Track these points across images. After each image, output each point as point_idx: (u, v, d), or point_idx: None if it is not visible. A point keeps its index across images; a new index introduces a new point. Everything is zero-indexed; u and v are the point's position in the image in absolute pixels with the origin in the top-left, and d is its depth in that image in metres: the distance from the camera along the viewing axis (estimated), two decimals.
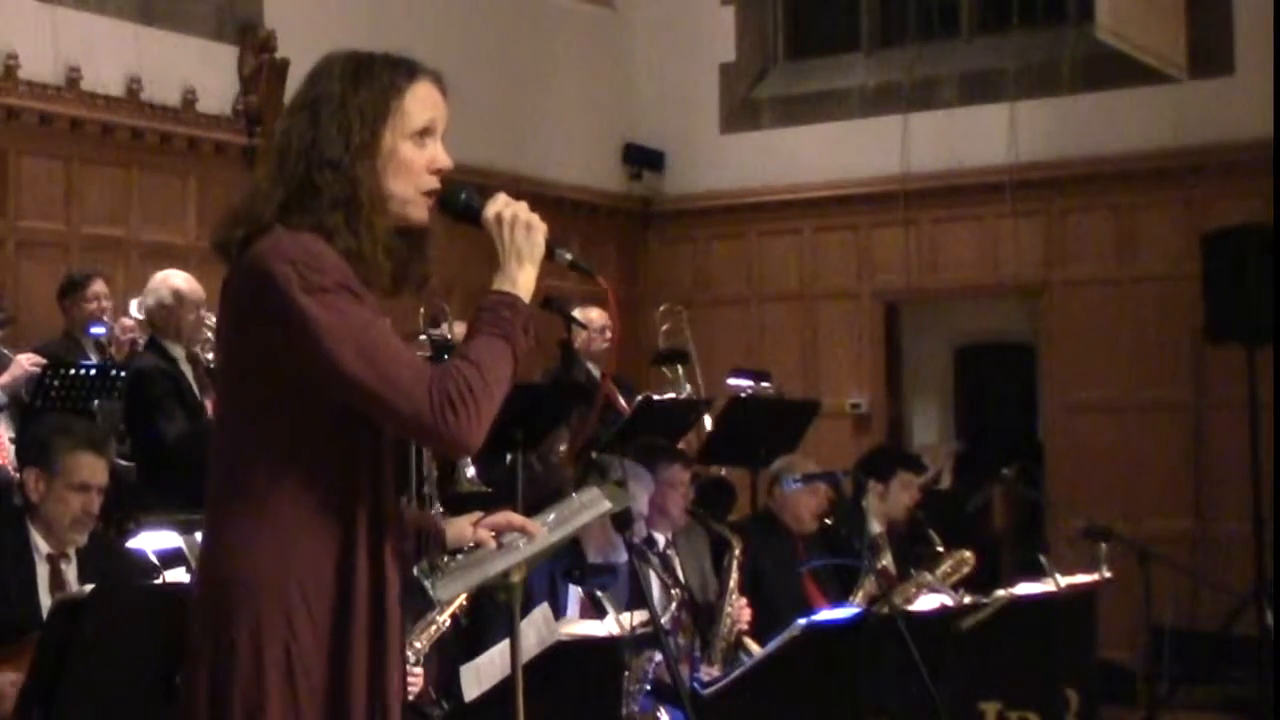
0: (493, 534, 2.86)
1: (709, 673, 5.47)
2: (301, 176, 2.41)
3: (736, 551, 5.83)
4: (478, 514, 2.88)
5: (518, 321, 2.45)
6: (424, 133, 2.48)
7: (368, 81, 2.46)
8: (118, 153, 8.01)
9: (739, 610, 5.77)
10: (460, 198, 2.53)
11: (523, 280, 2.51)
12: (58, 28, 7.70)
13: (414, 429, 2.37)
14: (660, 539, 5.78)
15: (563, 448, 6.79)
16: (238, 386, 2.46)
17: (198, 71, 8.25)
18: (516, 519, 2.91)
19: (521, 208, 2.52)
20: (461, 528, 2.85)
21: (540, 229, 2.52)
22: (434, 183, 2.50)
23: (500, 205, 2.52)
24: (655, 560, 5.53)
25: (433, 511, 5.62)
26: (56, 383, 5.91)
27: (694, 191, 11.12)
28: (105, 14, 7.94)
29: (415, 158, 2.47)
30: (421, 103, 2.48)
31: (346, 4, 9.16)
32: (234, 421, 2.46)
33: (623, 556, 5.17)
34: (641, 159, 11.15)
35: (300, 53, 8.61)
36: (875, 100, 10.60)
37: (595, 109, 10.93)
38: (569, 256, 2.59)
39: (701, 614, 5.67)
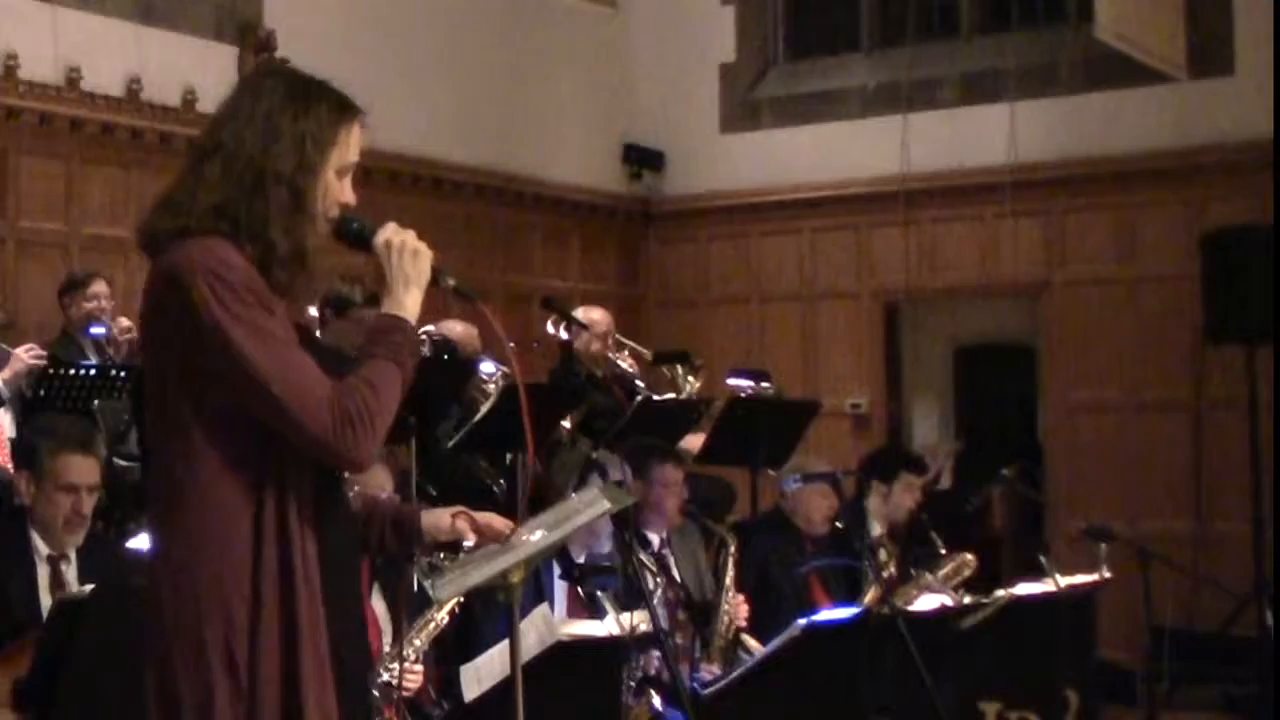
0: (472, 528, 2.88)
1: (709, 670, 5.48)
2: (251, 182, 2.53)
3: (732, 549, 5.84)
4: (458, 507, 2.90)
5: (406, 345, 2.57)
6: (346, 171, 2.64)
7: (318, 107, 2.61)
8: (118, 153, 8.02)
9: (736, 607, 5.77)
10: (353, 225, 2.66)
11: (409, 304, 2.60)
12: (58, 28, 7.70)
13: (315, 444, 2.47)
14: (655, 538, 5.79)
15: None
16: (158, 388, 2.55)
17: (198, 71, 8.25)
18: (499, 521, 2.93)
19: (409, 235, 2.64)
20: (439, 517, 2.91)
21: (426, 255, 2.63)
22: (336, 213, 2.64)
23: (390, 233, 2.64)
24: (649, 559, 5.54)
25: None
26: (56, 382, 5.90)
27: (694, 191, 11.13)
28: (105, 14, 7.94)
29: (336, 190, 2.62)
30: (356, 142, 2.65)
31: (346, 4, 9.16)
32: (157, 423, 2.56)
33: (605, 547, 5.19)
34: (641, 159, 11.15)
35: (300, 53, 8.59)
36: (875, 100, 10.61)
37: (595, 109, 10.93)
38: (452, 282, 2.71)
39: (698, 612, 5.68)
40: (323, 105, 2.61)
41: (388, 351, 2.54)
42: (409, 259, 2.60)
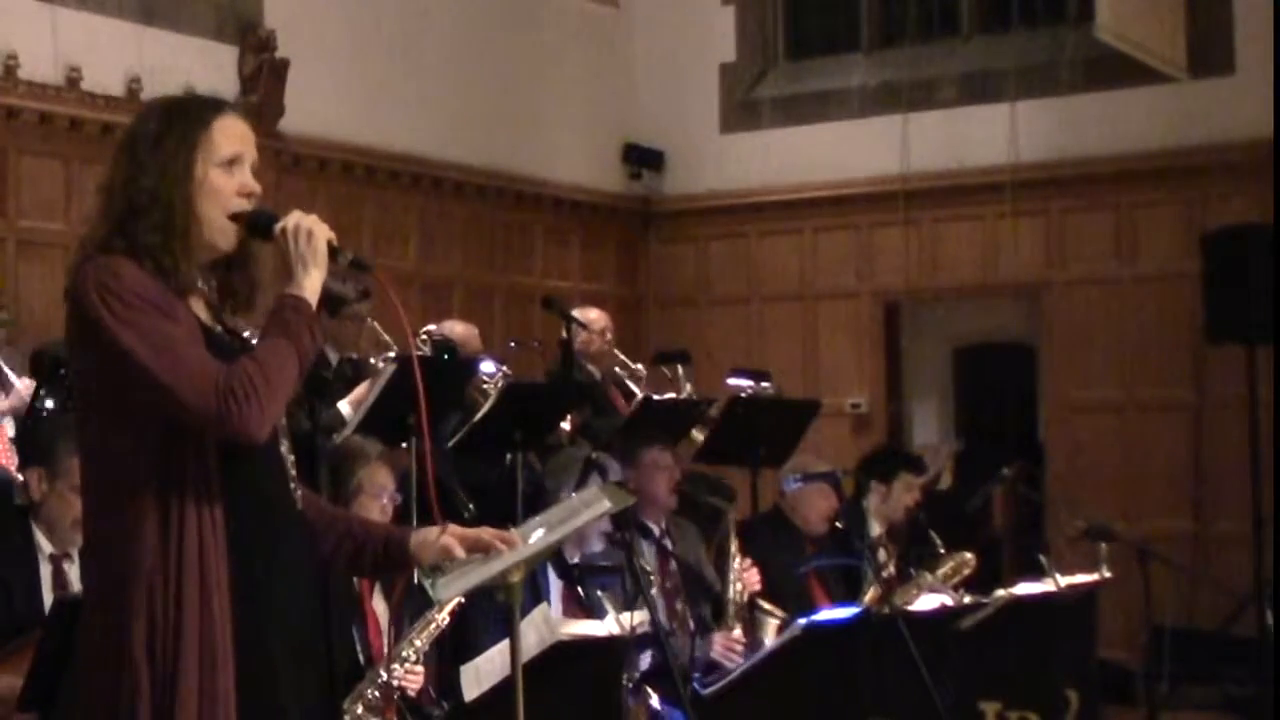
0: (461, 543, 2.91)
1: (728, 640, 5.52)
2: (124, 206, 2.69)
3: (731, 517, 5.87)
4: (445, 524, 2.95)
5: (302, 321, 2.68)
6: (232, 162, 2.74)
7: (180, 118, 2.75)
8: None
9: (746, 572, 5.77)
10: (260, 218, 2.76)
11: (308, 284, 2.71)
12: (58, 28, 7.70)
13: (200, 419, 2.58)
14: (655, 528, 5.80)
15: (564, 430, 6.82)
16: (80, 396, 2.76)
17: (198, 71, 8.22)
18: (487, 534, 2.95)
19: (307, 219, 2.73)
20: (425, 536, 2.94)
21: (320, 235, 2.72)
22: (243, 204, 2.75)
23: (285, 220, 2.74)
24: (650, 546, 5.57)
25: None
26: (62, 384, 5.86)
27: (694, 191, 11.13)
28: (105, 14, 7.94)
29: (224, 184, 2.73)
30: (227, 134, 2.75)
31: (346, 4, 9.16)
32: (81, 424, 2.74)
33: (596, 546, 5.20)
34: (641, 159, 11.15)
35: (300, 53, 8.62)
36: (875, 100, 10.60)
37: (595, 109, 10.93)
38: (350, 256, 2.79)
39: (702, 585, 5.71)
40: (184, 116, 2.75)
41: (279, 329, 2.66)
42: (304, 241, 2.71)
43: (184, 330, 2.63)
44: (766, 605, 5.75)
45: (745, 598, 5.75)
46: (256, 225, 2.75)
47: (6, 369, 6.13)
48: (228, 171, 2.73)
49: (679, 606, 5.66)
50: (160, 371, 2.55)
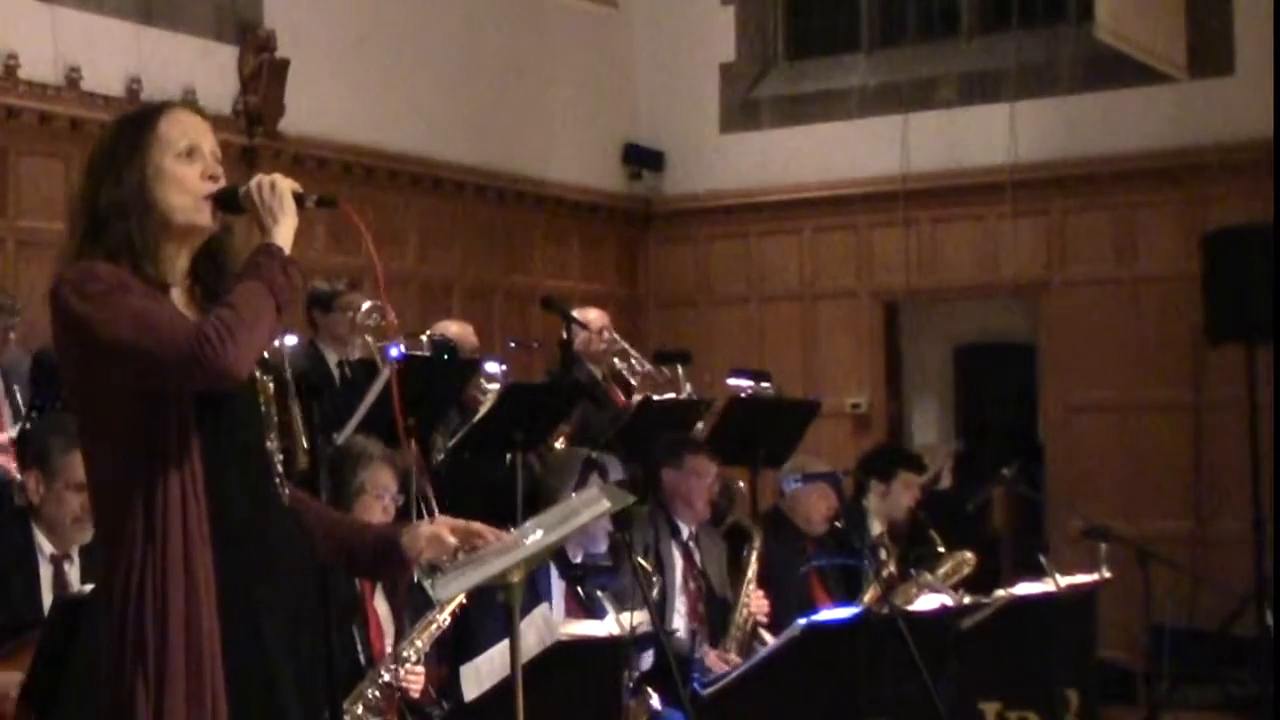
0: (454, 534, 2.92)
1: (724, 657, 5.57)
2: (91, 219, 2.74)
3: (756, 543, 5.89)
4: (440, 519, 2.97)
5: (274, 263, 2.70)
6: (189, 152, 2.78)
7: (127, 126, 2.81)
8: None
9: (756, 601, 5.80)
10: (225, 192, 2.80)
11: (280, 232, 2.75)
12: (58, 28, 7.70)
13: (182, 369, 2.60)
14: (685, 529, 5.83)
15: (560, 443, 6.82)
16: (72, 400, 2.81)
17: (198, 71, 8.25)
18: (475, 527, 2.95)
19: (268, 176, 2.79)
20: (417, 529, 2.95)
21: (283, 184, 2.77)
22: (213, 185, 2.79)
23: (248, 183, 2.78)
24: (677, 546, 5.58)
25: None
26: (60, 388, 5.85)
27: (694, 191, 11.13)
28: (105, 14, 7.93)
29: (185, 171, 2.77)
30: (178, 126, 2.80)
31: (346, 4, 9.16)
32: (78, 423, 2.78)
33: (601, 547, 5.21)
34: (641, 159, 11.15)
35: (300, 53, 8.62)
36: (875, 100, 10.60)
37: (595, 109, 10.93)
38: (314, 196, 2.83)
39: (717, 604, 5.73)
40: (130, 122, 2.80)
41: (251, 272, 2.69)
42: (268, 193, 2.75)
43: (155, 303, 2.66)
44: (768, 636, 5.78)
45: (750, 624, 5.78)
46: (225, 200, 2.79)
47: (6, 404, 6.08)
48: (187, 161, 2.77)
49: (701, 608, 5.70)
50: (135, 337, 2.58)
